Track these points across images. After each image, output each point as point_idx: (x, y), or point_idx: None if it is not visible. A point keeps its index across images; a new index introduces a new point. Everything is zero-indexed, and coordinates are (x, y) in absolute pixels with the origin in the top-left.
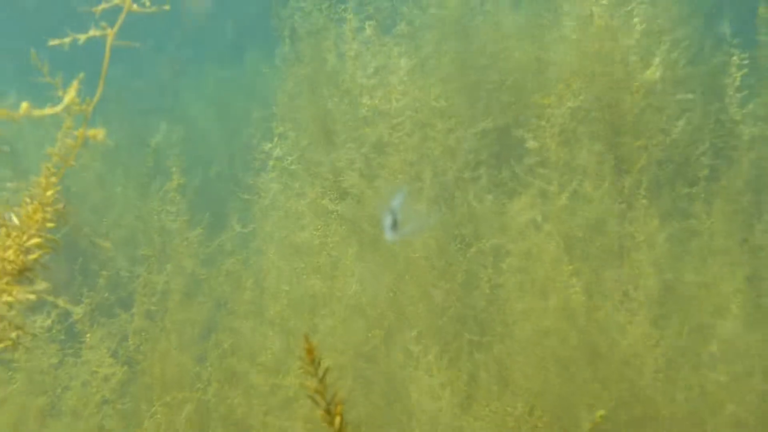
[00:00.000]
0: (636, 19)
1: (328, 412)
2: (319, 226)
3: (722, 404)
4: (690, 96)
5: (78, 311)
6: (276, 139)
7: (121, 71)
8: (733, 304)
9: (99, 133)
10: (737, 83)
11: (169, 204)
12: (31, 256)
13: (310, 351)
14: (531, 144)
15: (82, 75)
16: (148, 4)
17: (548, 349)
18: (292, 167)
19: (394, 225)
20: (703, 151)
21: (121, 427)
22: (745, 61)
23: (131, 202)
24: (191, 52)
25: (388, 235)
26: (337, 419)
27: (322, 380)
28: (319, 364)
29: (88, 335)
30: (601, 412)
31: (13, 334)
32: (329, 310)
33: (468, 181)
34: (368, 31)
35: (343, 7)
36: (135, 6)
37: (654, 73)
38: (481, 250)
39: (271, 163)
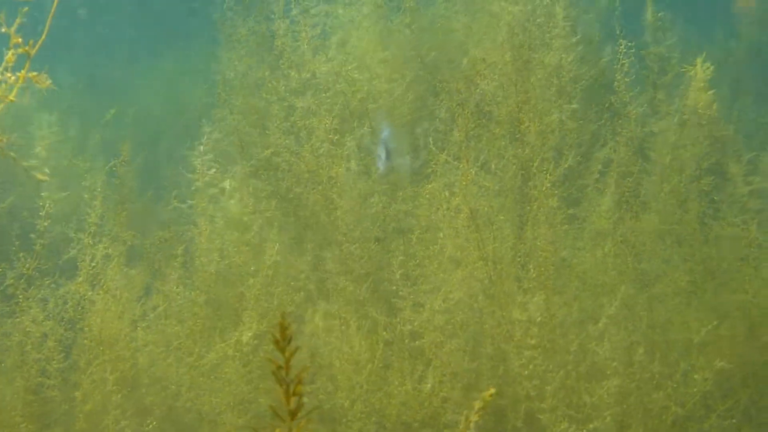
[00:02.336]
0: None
1: (288, 391)
2: (250, 203)
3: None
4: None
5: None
6: (214, 121)
7: (82, 56)
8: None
9: (42, 77)
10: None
11: (115, 178)
12: None
13: (284, 330)
14: (441, 115)
15: (26, 9)
16: None
17: (456, 322)
18: (228, 148)
19: (387, 155)
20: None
21: (60, 383)
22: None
23: (79, 175)
24: (150, 34)
25: (381, 164)
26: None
27: (287, 361)
28: (288, 343)
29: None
30: (491, 390)
31: None
32: (255, 281)
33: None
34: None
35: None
36: None
37: (553, 57)
38: (397, 223)
39: (209, 143)
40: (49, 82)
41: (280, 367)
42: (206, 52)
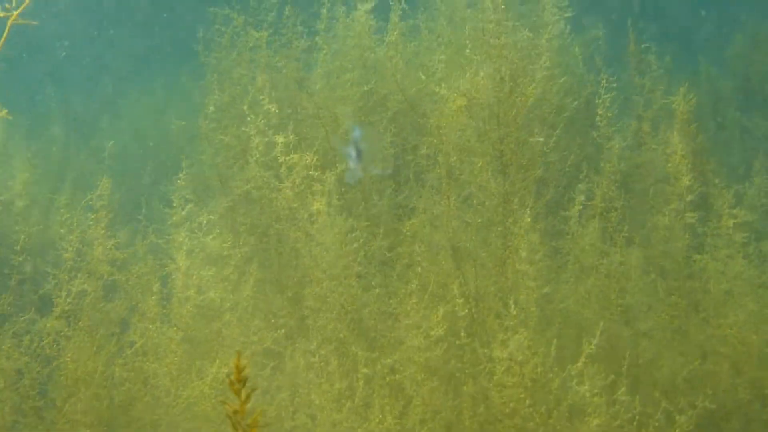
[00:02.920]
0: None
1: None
2: (228, 237)
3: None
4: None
5: None
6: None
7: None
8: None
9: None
10: (607, 104)
11: (90, 212)
12: None
13: (239, 372)
14: (424, 151)
15: None
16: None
17: (436, 359)
18: (209, 181)
19: (358, 156)
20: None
21: (36, 422)
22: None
23: (55, 210)
24: (136, 65)
25: (353, 166)
26: None
27: (244, 402)
28: (244, 384)
29: None
30: None
31: None
32: (233, 317)
33: (371, 192)
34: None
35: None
36: None
37: (534, 91)
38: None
39: (187, 176)
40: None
41: (236, 412)
42: (191, 84)
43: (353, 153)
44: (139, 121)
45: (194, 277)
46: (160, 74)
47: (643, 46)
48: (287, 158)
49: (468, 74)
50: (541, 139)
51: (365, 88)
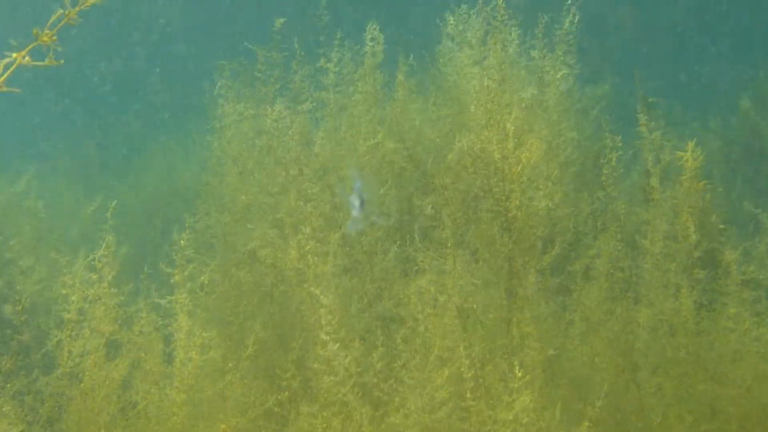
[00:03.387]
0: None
1: None
2: (233, 297)
3: None
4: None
5: None
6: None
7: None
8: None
9: None
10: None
11: (92, 271)
12: None
13: None
14: (428, 212)
15: None
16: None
17: (441, 421)
18: (212, 240)
19: (361, 205)
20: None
21: None
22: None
23: (59, 267)
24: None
25: (357, 214)
26: None
27: None
28: None
29: None
30: None
31: None
32: (235, 377)
33: (376, 252)
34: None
35: (266, 89)
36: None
37: (539, 148)
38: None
39: (191, 235)
40: None
41: None
42: (201, 139)
43: (356, 204)
44: (150, 176)
45: (196, 337)
46: (174, 127)
47: (652, 100)
48: (292, 218)
49: (474, 131)
50: (548, 202)
51: (371, 143)
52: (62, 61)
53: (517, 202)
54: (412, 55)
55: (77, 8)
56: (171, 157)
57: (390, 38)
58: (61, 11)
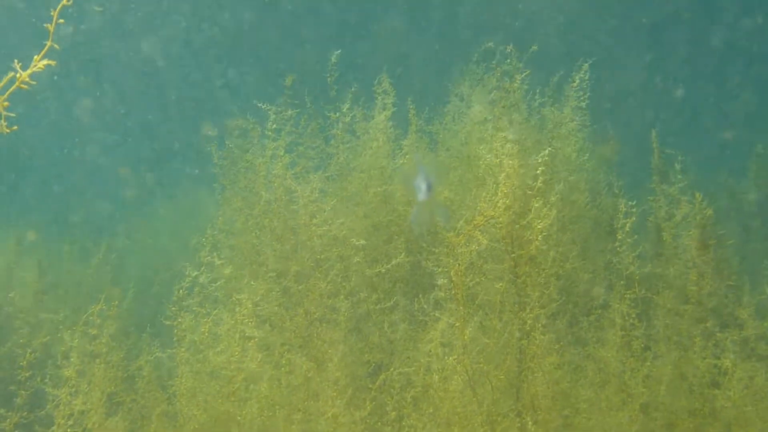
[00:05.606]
0: (540, 169)
1: None
2: (236, 352)
3: None
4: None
5: None
6: (202, 267)
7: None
8: None
9: None
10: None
11: (90, 327)
12: None
13: None
14: (441, 281)
15: None
16: None
17: None
18: (215, 294)
19: (427, 189)
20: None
21: None
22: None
23: (61, 324)
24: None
25: (422, 196)
26: None
27: None
28: None
29: None
30: None
31: None
32: None
33: (382, 312)
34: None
35: (274, 144)
36: None
37: (551, 213)
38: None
39: (195, 289)
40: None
41: None
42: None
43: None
44: (157, 231)
45: (199, 393)
46: (182, 182)
47: (666, 153)
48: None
49: (483, 193)
50: (558, 269)
51: (378, 197)
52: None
53: (527, 269)
54: (423, 111)
55: (29, 71)
56: (182, 213)
57: (399, 98)
58: (12, 74)
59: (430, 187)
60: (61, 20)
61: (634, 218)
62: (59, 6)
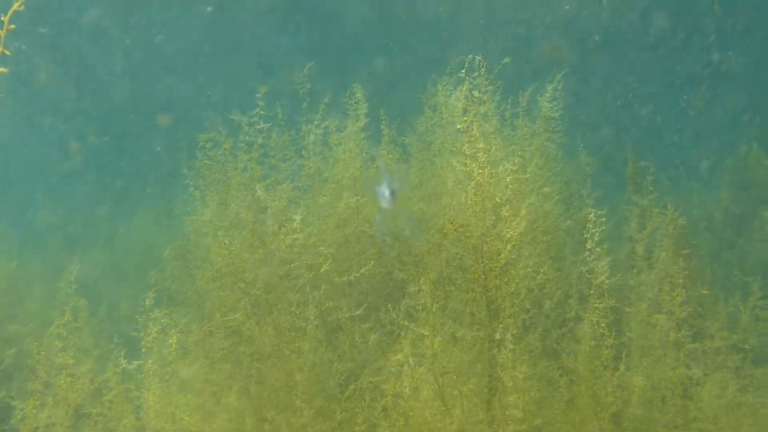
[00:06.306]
0: (509, 178)
1: None
2: (204, 364)
3: None
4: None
5: None
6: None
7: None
8: None
9: None
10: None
11: (58, 340)
12: None
13: None
14: (410, 290)
15: None
16: None
17: None
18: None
19: (391, 194)
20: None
21: None
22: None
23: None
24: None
25: (385, 203)
26: None
27: None
28: None
29: None
30: None
31: None
32: None
33: (353, 322)
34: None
35: (248, 156)
36: None
37: (521, 224)
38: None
39: (163, 300)
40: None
41: None
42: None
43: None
44: (131, 242)
45: (167, 406)
46: (155, 194)
47: (642, 164)
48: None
49: (454, 202)
50: (529, 283)
51: (351, 207)
52: None
53: (497, 281)
54: (395, 123)
55: None
56: (156, 225)
57: (372, 110)
58: None
59: (394, 195)
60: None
61: (603, 227)
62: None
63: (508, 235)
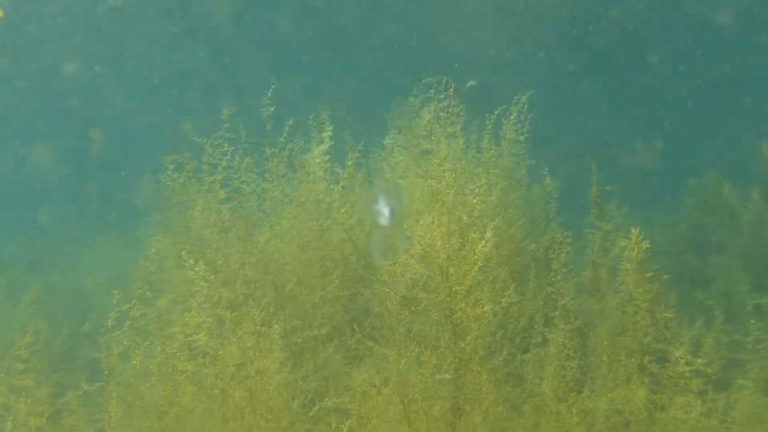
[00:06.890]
0: (475, 199)
1: None
2: (168, 385)
3: None
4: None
5: None
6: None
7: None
8: None
9: None
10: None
11: (17, 362)
12: None
13: None
14: (376, 310)
15: None
16: None
17: None
18: (148, 327)
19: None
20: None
21: None
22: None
23: None
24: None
25: (384, 222)
26: None
27: None
28: None
29: None
30: None
31: None
32: None
33: (318, 342)
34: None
35: (211, 178)
36: None
37: (486, 246)
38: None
39: (126, 322)
40: None
41: None
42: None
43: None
44: (93, 267)
45: (129, 429)
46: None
47: (606, 188)
48: (234, 314)
49: (420, 222)
50: (493, 306)
51: (316, 229)
52: None
53: (462, 305)
54: (359, 144)
55: None
56: (118, 251)
57: (337, 131)
58: None
59: (392, 214)
60: None
61: (568, 248)
62: None
63: (474, 257)
